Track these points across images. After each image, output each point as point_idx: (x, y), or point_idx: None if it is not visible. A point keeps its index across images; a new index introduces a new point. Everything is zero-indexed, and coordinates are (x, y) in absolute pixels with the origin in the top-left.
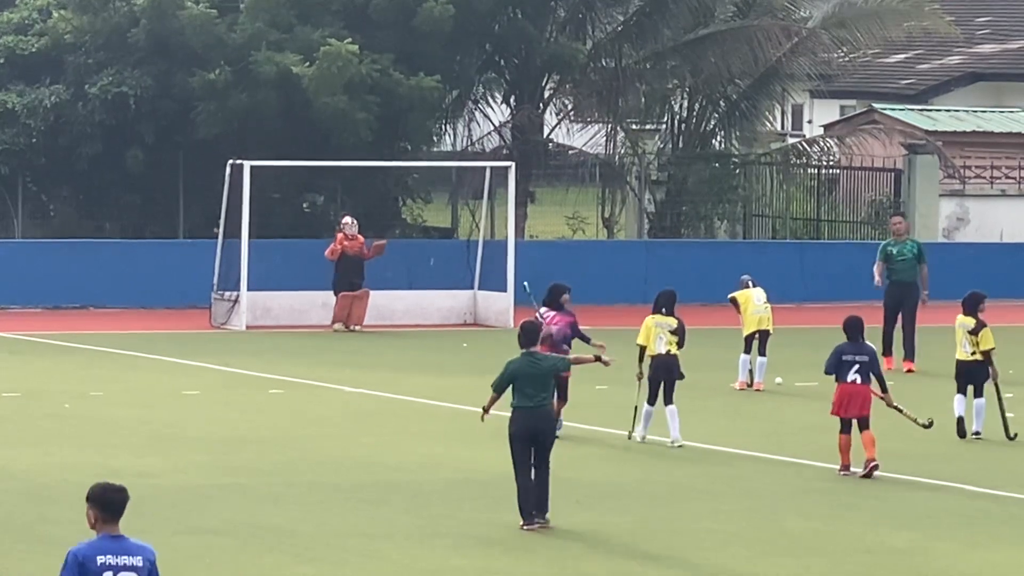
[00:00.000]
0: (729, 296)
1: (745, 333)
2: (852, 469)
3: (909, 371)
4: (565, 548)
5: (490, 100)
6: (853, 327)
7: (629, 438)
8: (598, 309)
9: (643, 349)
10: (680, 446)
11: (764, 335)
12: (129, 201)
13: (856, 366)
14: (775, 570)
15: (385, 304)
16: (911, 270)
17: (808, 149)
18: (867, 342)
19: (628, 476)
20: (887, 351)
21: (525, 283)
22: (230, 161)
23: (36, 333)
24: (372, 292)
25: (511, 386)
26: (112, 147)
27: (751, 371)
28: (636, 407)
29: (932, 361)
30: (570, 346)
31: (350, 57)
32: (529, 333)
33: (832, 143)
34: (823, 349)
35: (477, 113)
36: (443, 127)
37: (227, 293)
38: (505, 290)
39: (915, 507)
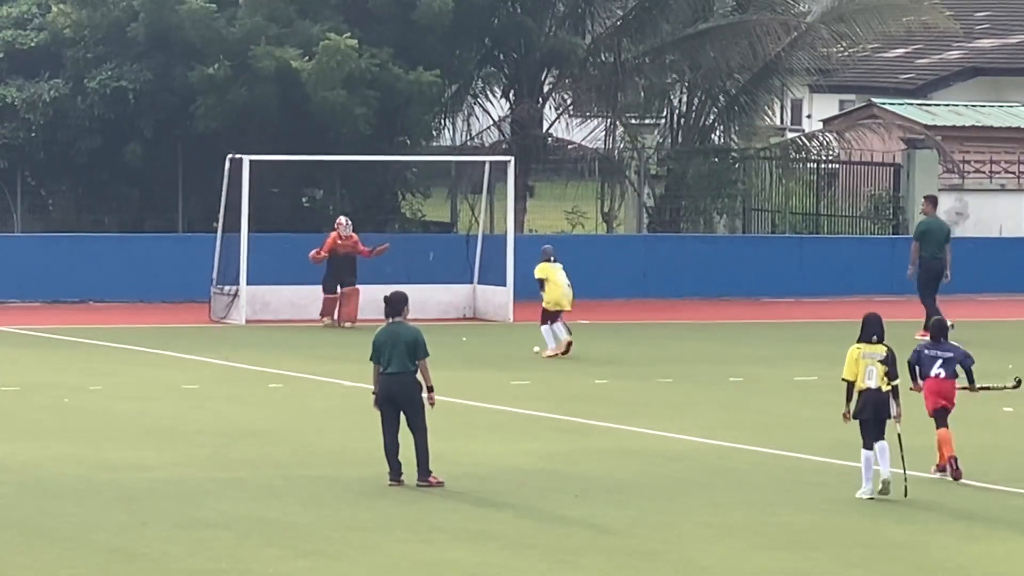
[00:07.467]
0: (536, 276)
1: (548, 307)
2: (946, 471)
3: None
4: (563, 542)
5: (489, 94)
6: (937, 329)
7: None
8: (597, 303)
9: (851, 385)
10: (884, 490)
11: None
12: (128, 195)
13: (939, 361)
14: (773, 564)
15: None
16: None
17: (807, 144)
18: (952, 343)
19: (625, 470)
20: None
21: None
22: (229, 155)
23: (35, 327)
24: (371, 286)
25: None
26: (111, 141)
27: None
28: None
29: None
30: None
31: (349, 51)
32: (393, 304)
33: (831, 138)
34: (821, 343)
35: (476, 107)
36: (442, 121)
37: (226, 287)
38: (504, 284)
39: (913, 500)
